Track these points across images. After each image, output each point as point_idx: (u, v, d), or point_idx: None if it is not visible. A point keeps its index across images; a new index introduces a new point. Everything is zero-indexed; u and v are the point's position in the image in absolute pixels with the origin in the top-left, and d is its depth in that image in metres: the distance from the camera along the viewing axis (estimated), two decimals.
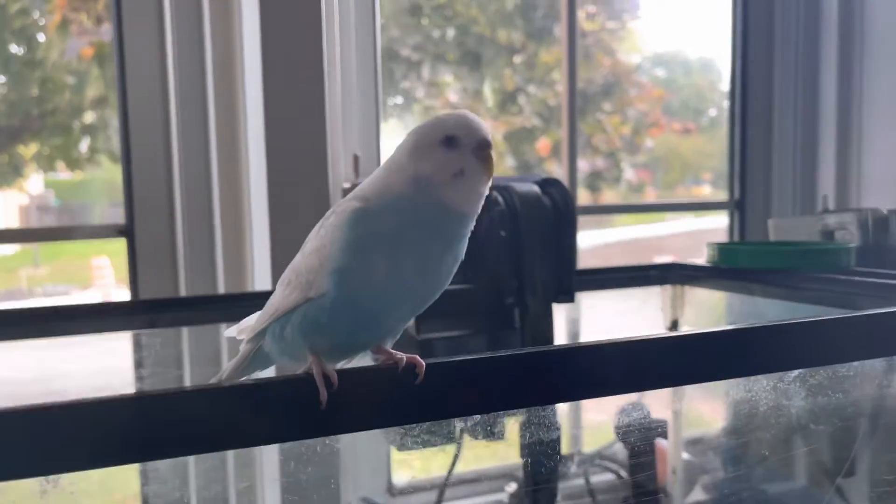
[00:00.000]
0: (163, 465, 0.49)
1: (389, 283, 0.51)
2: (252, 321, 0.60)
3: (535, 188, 1.02)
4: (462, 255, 0.54)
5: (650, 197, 4.18)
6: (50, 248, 2.67)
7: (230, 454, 0.59)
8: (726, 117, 1.98)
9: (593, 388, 0.56)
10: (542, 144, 3.81)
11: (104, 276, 2.55)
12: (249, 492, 0.59)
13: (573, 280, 1.01)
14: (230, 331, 0.62)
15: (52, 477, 0.43)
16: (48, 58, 1.61)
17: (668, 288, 1.18)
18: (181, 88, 1.28)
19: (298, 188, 1.23)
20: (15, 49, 1.59)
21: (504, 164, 3.78)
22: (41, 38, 1.61)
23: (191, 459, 0.53)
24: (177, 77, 1.28)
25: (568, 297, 1.01)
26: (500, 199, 1.01)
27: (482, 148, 0.52)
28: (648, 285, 1.19)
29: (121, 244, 1.34)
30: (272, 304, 0.57)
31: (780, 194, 1.82)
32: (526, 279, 0.99)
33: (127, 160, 1.31)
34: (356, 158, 1.35)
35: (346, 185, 1.30)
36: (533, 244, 0.99)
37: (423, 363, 0.50)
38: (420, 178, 0.51)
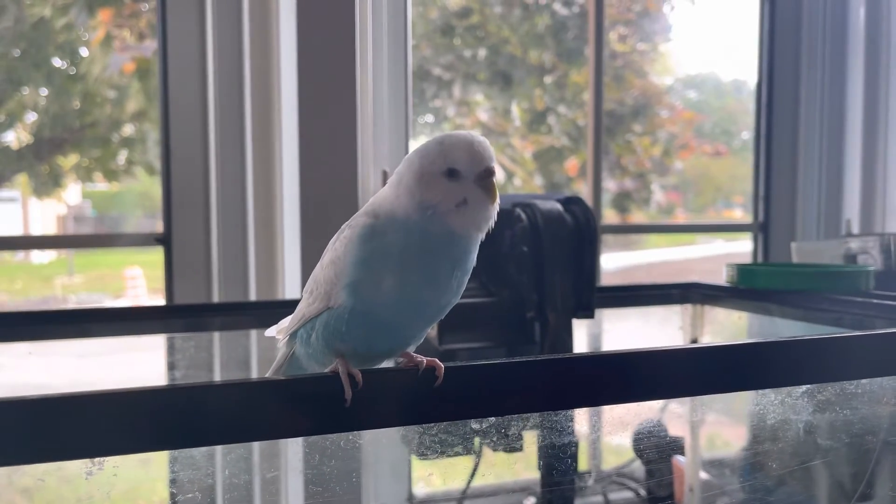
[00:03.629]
0: (197, 453, 0.53)
1: (401, 295, 0.53)
2: (287, 322, 0.64)
3: (558, 206, 1.04)
4: (472, 266, 0.56)
5: (679, 219, 4.17)
6: (84, 257, 2.75)
7: (259, 446, 0.63)
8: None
9: (602, 395, 0.58)
10: (571, 164, 3.82)
11: (136, 286, 2.61)
12: (275, 481, 0.63)
13: (593, 296, 1.03)
14: (269, 330, 0.66)
15: (97, 459, 0.46)
16: (90, 72, 1.67)
17: (688, 307, 1.20)
18: (220, 104, 1.34)
19: (329, 201, 1.27)
20: (58, 63, 1.65)
21: (532, 183, 3.80)
22: (84, 52, 1.68)
23: (221, 449, 0.57)
24: (216, 93, 1.34)
25: (588, 313, 1.03)
26: (522, 215, 1.03)
27: (483, 178, 0.53)
28: (668, 304, 1.20)
29: (153, 255, 1.39)
30: (300, 311, 0.60)
31: (804, 218, 1.82)
32: (547, 294, 1.01)
33: (166, 172, 1.37)
34: (385, 174, 1.39)
35: None
36: (554, 260, 1.02)
37: (443, 366, 0.53)
38: (426, 206, 0.53)
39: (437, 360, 0.54)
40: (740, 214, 4.20)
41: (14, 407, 0.44)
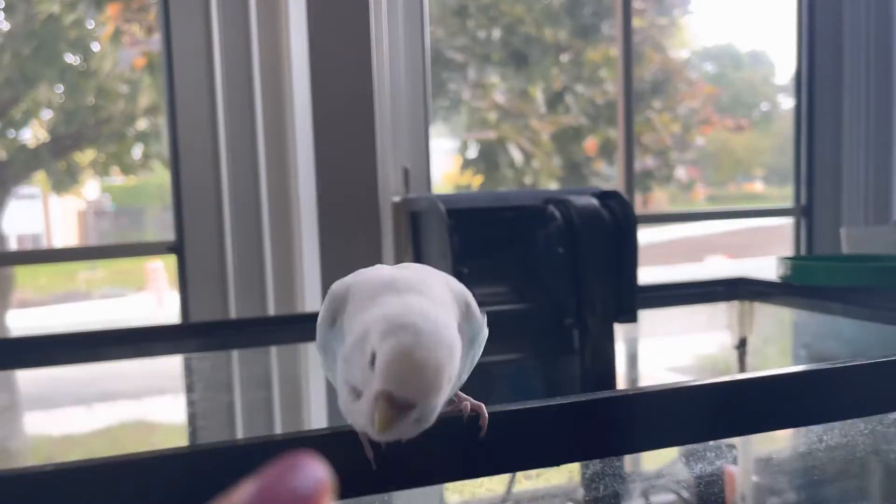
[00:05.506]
0: None
1: None
2: None
3: (594, 201, 0.98)
4: None
5: (700, 194, 4.06)
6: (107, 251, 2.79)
7: None
8: (780, 112, 1.88)
9: (665, 438, 0.51)
10: (590, 144, 3.74)
11: (158, 280, 2.62)
12: None
13: (636, 298, 0.96)
14: None
15: None
16: (102, 67, 1.67)
17: (735, 304, 1.12)
18: (229, 102, 1.28)
19: (348, 202, 1.22)
20: (71, 59, 1.65)
21: (551, 164, 3.72)
22: (96, 48, 1.67)
23: None
24: (225, 90, 1.28)
25: (630, 317, 0.97)
26: (556, 213, 0.97)
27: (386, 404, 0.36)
28: (715, 301, 1.13)
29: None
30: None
31: (850, 200, 1.72)
32: (585, 298, 0.95)
33: (176, 177, 1.31)
34: (406, 171, 1.32)
35: (396, 199, 1.27)
36: (592, 261, 0.95)
37: (487, 415, 0.47)
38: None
39: (482, 405, 0.47)
40: (761, 188, 4.10)
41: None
